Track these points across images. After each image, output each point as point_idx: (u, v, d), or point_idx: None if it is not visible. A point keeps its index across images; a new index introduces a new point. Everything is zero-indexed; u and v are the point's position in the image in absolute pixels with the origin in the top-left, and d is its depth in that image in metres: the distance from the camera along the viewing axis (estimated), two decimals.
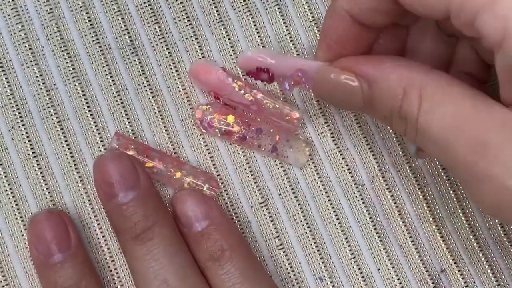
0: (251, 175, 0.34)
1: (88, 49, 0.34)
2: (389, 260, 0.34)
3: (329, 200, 0.34)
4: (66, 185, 0.33)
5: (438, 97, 0.25)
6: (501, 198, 0.23)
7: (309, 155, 0.34)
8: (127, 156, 0.31)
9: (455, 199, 0.34)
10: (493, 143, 0.23)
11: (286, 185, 0.34)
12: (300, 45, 0.35)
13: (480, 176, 0.24)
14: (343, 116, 0.35)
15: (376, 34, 0.29)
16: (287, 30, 0.35)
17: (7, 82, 0.34)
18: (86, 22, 0.34)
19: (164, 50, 0.34)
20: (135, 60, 0.34)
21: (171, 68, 0.34)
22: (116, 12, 0.34)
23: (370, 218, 0.34)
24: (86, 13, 0.34)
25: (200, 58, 0.34)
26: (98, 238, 0.33)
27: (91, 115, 0.34)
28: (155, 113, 0.34)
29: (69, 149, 0.33)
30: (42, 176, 0.33)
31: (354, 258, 0.34)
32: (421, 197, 0.34)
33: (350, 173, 0.34)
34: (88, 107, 0.34)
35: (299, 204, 0.34)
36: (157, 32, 0.34)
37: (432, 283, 0.34)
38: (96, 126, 0.34)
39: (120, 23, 0.34)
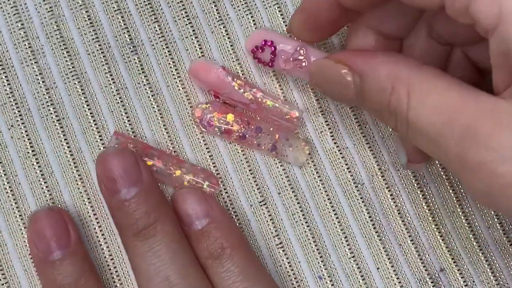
0: (251, 174, 0.34)
1: (88, 48, 0.34)
2: (389, 259, 0.34)
3: (328, 199, 0.34)
4: (65, 183, 0.33)
5: (426, 90, 0.25)
6: (493, 185, 0.24)
7: (309, 154, 0.34)
8: (130, 151, 0.31)
9: (454, 199, 0.34)
10: (483, 131, 0.23)
11: (286, 184, 0.34)
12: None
13: (471, 164, 0.24)
14: (342, 115, 0.35)
15: (354, 17, 0.30)
16: (287, 28, 0.35)
17: (7, 80, 0.34)
18: (85, 21, 0.34)
19: (163, 48, 0.34)
20: (134, 59, 0.34)
21: (170, 67, 0.34)
22: (115, 10, 0.34)
23: (370, 217, 0.34)
24: (86, 11, 0.34)
25: (199, 57, 0.34)
26: (98, 236, 0.33)
27: (90, 113, 0.34)
28: (155, 111, 0.34)
29: (68, 147, 0.33)
30: (42, 175, 0.33)
31: (353, 257, 0.34)
32: (420, 196, 0.34)
33: (349, 172, 0.34)
34: (87, 105, 0.34)
35: (298, 203, 0.34)
36: (156, 30, 0.34)
37: (432, 282, 0.34)
38: (95, 124, 0.34)
39: (119, 22, 0.34)
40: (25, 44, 0.34)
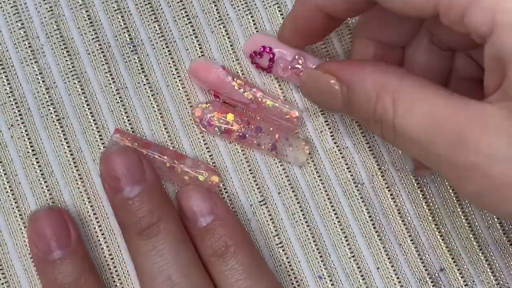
0: (251, 173, 0.34)
1: (88, 47, 0.34)
2: (389, 259, 0.34)
3: (328, 199, 0.34)
4: (65, 183, 0.33)
5: (413, 99, 0.26)
6: (485, 186, 0.24)
7: (309, 154, 0.34)
8: (133, 150, 0.31)
9: (454, 198, 0.34)
10: (472, 136, 0.24)
11: (286, 184, 0.34)
12: None
13: (463, 168, 0.25)
14: (342, 115, 0.35)
15: (339, 24, 0.31)
16: None
17: (7, 80, 0.34)
18: (85, 20, 0.34)
19: (163, 48, 0.34)
20: (134, 59, 0.34)
21: (170, 67, 0.34)
22: (115, 10, 0.34)
23: (370, 217, 0.34)
24: (86, 11, 0.34)
25: (199, 57, 0.34)
26: (98, 236, 0.33)
27: (90, 113, 0.34)
28: (155, 111, 0.34)
29: (68, 147, 0.33)
30: (42, 174, 0.33)
31: (353, 256, 0.34)
32: (420, 196, 0.34)
33: (349, 172, 0.34)
34: (87, 105, 0.34)
35: (298, 203, 0.34)
36: (156, 30, 0.34)
37: (432, 282, 0.34)
38: (95, 124, 0.34)
39: (119, 21, 0.34)
40: (25, 44, 0.34)
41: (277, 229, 0.34)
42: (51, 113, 0.34)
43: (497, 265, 0.34)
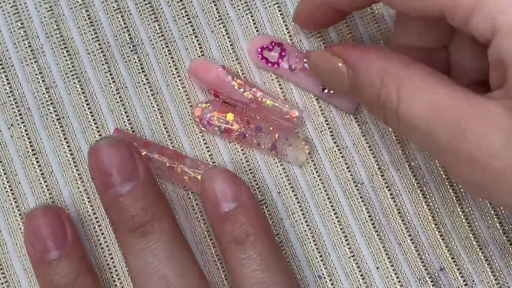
0: (250, 173, 0.34)
1: (88, 47, 0.34)
2: (388, 258, 0.34)
3: (328, 198, 0.34)
4: (65, 183, 0.33)
5: (416, 87, 0.26)
6: (486, 178, 0.25)
7: (309, 154, 0.34)
8: (125, 144, 0.30)
9: (454, 198, 0.34)
10: (474, 130, 0.25)
11: (285, 184, 0.34)
12: (300, 43, 0.35)
13: (463, 159, 0.25)
14: (342, 115, 0.35)
15: (346, 15, 0.32)
16: (286, 28, 0.35)
17: (7, 79, 0.34)
18: (85, 20, 0.34)
19: (163, 48, 0.34)
20: (134, 58, 0.34)
21: (170, 66, 0.34)
22: (115, 10, 0.34)
23: (369, 216, 0.34)
24: (86, 11, 0.34)
25: (199, 56, 0.34)
26: (97, 236, 0.33)
27: (90, 113, 0.34)
28: (155, 111, 0.34)
29: (68, 146, 0.33)
30: (41, 174, 0.33)
31: (353, 256, 0.34)
32: (420, 195, 0.34)
33: (349, 171, 0.34)
34: (87, 105, 0.34)
35: (298, 203, 0.34)
36: (156, 30, 0.34)
37: (431, 282, 0.34)
38: (95, 124, 0.34)
39: (119, 21, 0.34)
40: (25, 44, 0.34)
41: (276, 229, 0.34)
42: (51, 112, 0.34)
43: (497, 265, 0.34)
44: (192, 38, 0.34)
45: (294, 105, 0.34)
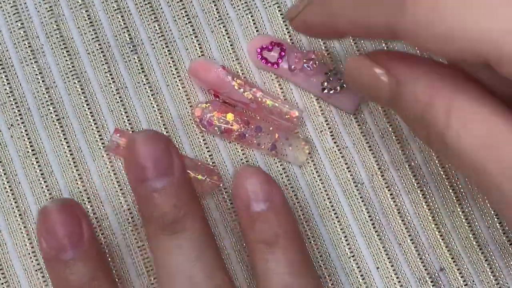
0: None
1: (88, 47, 0.34)
2: (388, 258, 0.34)
3: (328, 198, 0.34)
4: (65, 183, 0.33)
5: (470, 115, 0.24)
6: None
7: (309, 154, 0.34)
8: (162, 138, 0.29)
9: (454, 198, 0.34)
10: None
11: (286, 184, 0.34)
12: (300, 43, 0.35)
13: None
14: (342, 115, 0.35)
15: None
16: (286, 28, 0.35)
17: (7, 80, 0.34)
18: (85, 20, 0.34)
19: (163, 48, 0.34)
20: (134, 58, 0.34)
21: (170, 66, 0.34)
22: (115, 10, 0.34)
23: (369, 216, 0.34)
24: (86, 11, 0.34)
25: (199, 56, 0.34)
26: (98, 236, 0.33)
27: (90, 113, 0.34)
28: (155, 111, 0.34)
29: (68, 147, 0.33)
30: (41, 174, 0.33)
31: (353, 256, 0.34)
32: (420, 195, 0.34)
33: (349, 171, 0.34)
34: (87, 105, 0.34)
35: (298, 203, 0.34)
36: (156, 30, 0.34)
37: (431, 282, 0.34)
38: (95, 124, 0.34)
39: (119, 21, 0.34)
40: (25, 44, 0.34)
41: None
42: (51, 113, 0.34)
43: (497, 265, 0.34)
44: (192, 38, 0.34)
45: (294, 105, 0.34)
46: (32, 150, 0.33)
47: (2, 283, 0.32)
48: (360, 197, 0.34)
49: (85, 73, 0.34)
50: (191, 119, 0.34)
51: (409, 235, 0.34)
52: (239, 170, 0.30)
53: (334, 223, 0.34)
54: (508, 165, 0.22)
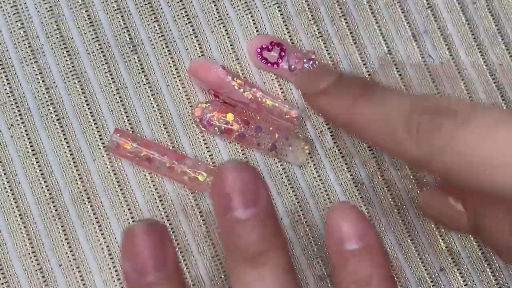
0: None
1: (88, 47, 0.34)
2: (389, 258, 0.34)
3: (328, 198, 0.34)
4: (65, 183, 0.33)
5: None
6: None
7: (309, 154, 0.34)
8: (250, 167, 0.28)
9: None
10: None
11: (286, 184, 0.34)
12: (300, 43, 0.35)
13: None
14: None
15: None
16: (286, 29, 0.35)
17: (7, 80, 0.34)
18: (85, 20, 0.34)
19: (163, 48, 0.34)
20: (134, 58, 0.34)
21: (170, 66, 0.34)
22: (115, 10, 0.34)
23: (370, 216, 0.34)
24: (86, 11, 0.34)
25: (199, 56, 0.34)
26: (98, 236, 0.33)
27: (90, 113, 0.34)
28: (155, 111, 0.34)
29: (68, 147, 0.33)
30: (41, 174, 0.33)
31: None
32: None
33: (349, 171, 0.34)
34: (87, 105, 0.34)
35: (298, 203, 0.34)
36: (156, 30, 0.34)
37: (431, 282, 0.34)
38: (95, 124, 0.34)
39: (119, 21, 0.34)
40: (25, 44, 0.34)
41: None
42: (51, 113, 0.34)
43: (497, 265, 0.34)
44: (192, 38, 0.34)
45: (294, 105, 0.34)
46: (32, 150, 0.33)
47: (2, 283, 0.32)
48: (360, 197, 0.34)
49: (85, 73, 0.34)
50: (191, 119, 0.34)
51: (409, 235, 0.34)
52: (330, 211, 0.29)
53: None
54: None
